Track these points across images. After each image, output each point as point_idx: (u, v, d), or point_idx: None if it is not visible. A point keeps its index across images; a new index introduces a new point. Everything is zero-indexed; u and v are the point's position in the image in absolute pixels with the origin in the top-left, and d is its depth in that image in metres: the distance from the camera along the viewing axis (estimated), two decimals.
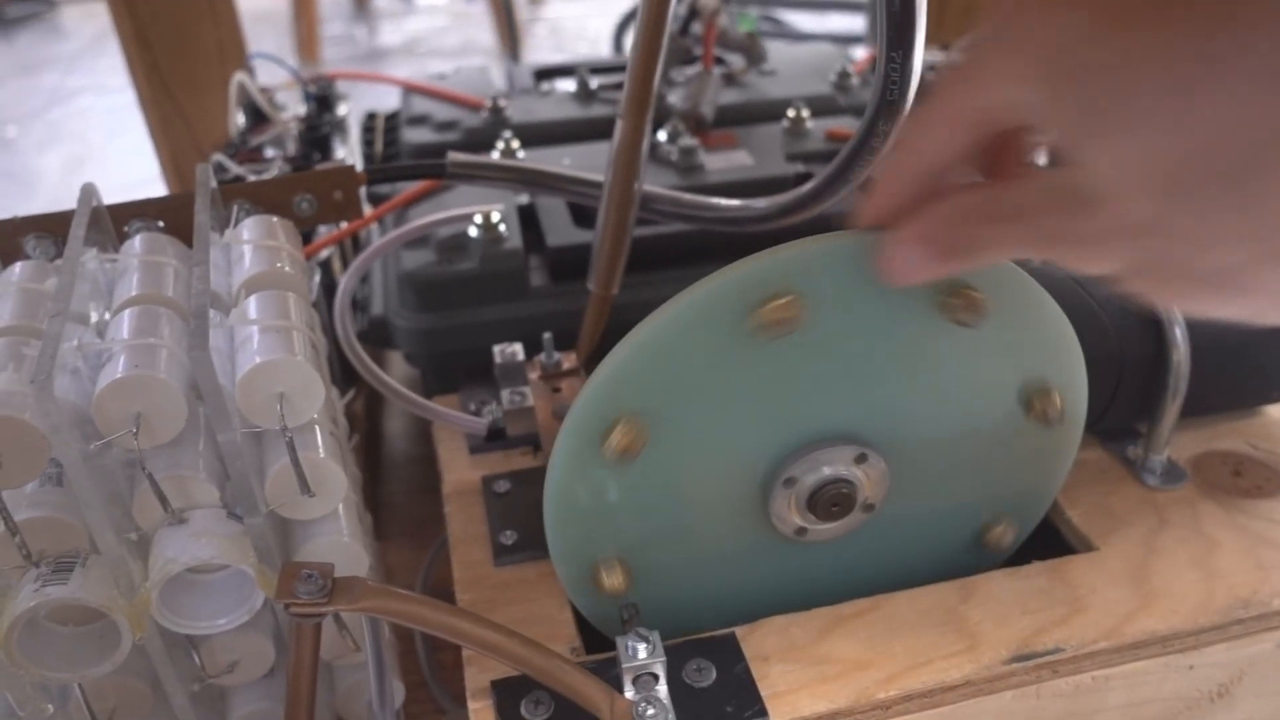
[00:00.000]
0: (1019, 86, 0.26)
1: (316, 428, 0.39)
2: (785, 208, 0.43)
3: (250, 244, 0.42)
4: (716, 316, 0.34)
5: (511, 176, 0.49)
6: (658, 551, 0.38)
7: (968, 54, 0.28)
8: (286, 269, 0.41)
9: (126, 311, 0.38)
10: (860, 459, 0.37)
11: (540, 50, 2.09)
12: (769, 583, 0.40)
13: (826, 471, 0.37)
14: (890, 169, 0.31)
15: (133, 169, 1.25)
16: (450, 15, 2.33)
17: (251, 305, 0.38)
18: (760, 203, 0.45)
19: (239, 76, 0.68)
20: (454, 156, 0.49)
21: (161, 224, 0.45)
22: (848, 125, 0.70)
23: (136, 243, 0.42)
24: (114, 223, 0.45)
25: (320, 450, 0.38)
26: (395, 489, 0.68)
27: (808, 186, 0.42)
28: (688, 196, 0.48)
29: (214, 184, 0.44)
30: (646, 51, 0.42)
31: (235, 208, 0.46)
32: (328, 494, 0.38)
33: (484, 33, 2.11)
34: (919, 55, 0.34)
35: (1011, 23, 0.26)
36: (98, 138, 1.72)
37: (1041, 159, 0.31)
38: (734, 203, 0.46)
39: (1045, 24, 0.25)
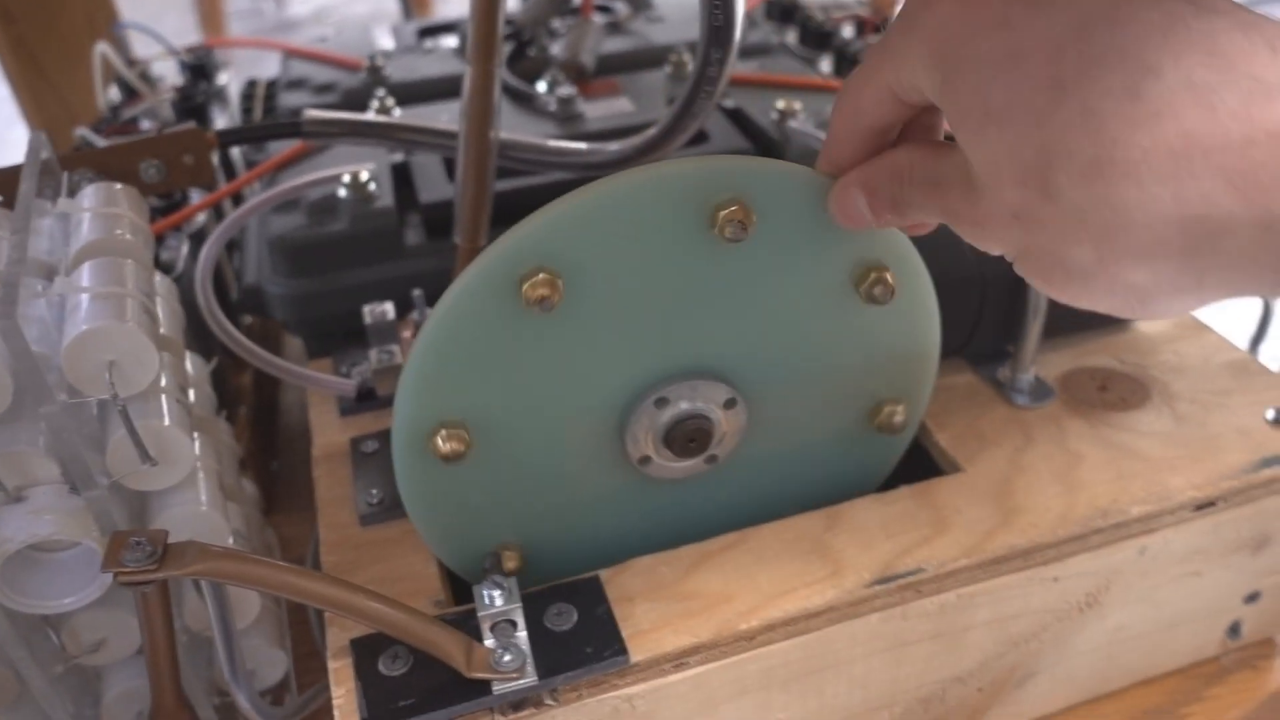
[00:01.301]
0: (917, 71, 0.27)
1: (162, 396, 0.38)
2: (639, 148, 0.43)
3: (88, 212, 0.41)
4: (677, 198, 0.33)
5: (366, 131, 0.48)
6: (507, 435, 0.37)
7: (885, 33, 0.29)
8: (126, 236, 0.40)
9: None
10: (729, 403, 0.37)
11: (451, 14, 2.05)
12: (620, 523, 0.40)
13: (692, 405, 0.37)
14: (831, 126, 0.32)
15: None
16: None
17: (84, 273, 0.37)
18: (614, 145, 0.44)
19: (100, 48, 0.66)
20: (309, 114, 0.47)
21: None
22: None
23: None
24: None
25: (164, 418, 0.37)
26: (293, 461, 0.67)
27: (656, 126, 0.41)
28: (547, 143, 0.47)
29: (47, 153, 0.42)
30: None
31: (77, 177, 0.44)
32: (174, 462, 0.37)
33: (393, 0, 2.07)
34: None
35: (918, 9, 0.27)
36: None
37: None
38: (589, 147, 0.45)
39: (944, 15, 0.26)
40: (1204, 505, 0.40)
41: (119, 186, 0.43)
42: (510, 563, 0.38)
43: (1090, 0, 0.24)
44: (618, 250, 0.33)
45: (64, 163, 0.44)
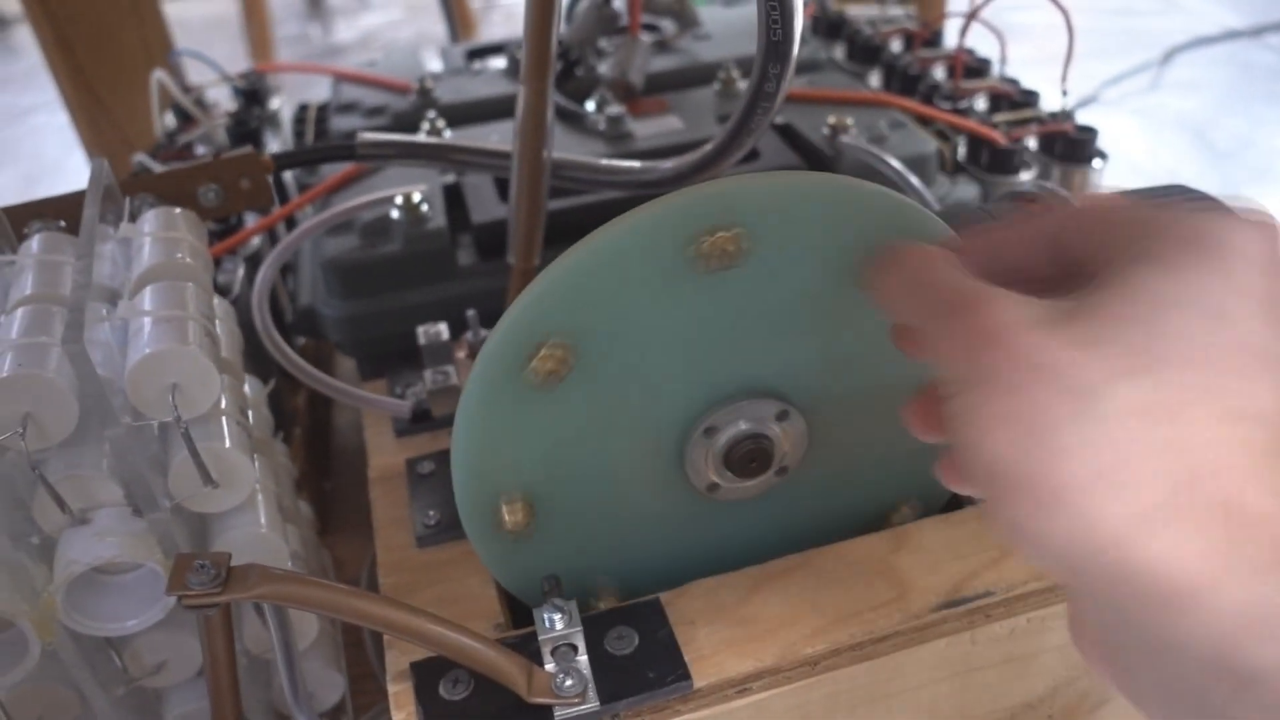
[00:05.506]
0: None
1: (223, 418, 0.38)
2: (695, 165, 0.42)
3: (149, 236, 0.41)
4: (655, 243, 0.32)
5: (419, 153, 0.48)
6: (569, 493, 0.37)
7: None
8: (186, 260, 0.40)
9: (18, 311, 0.37)
10: (781, 416, 0.36)
11: (496, 36, 2.06)
12: (694, 546, 0.40)
13: (745, 426, 0.36)
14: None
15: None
16: (405, 8, 2.31)
17: (146, 297, 0.37)
18: (668, 163, 0.44)
19: (157, 75, 0.67)
20: (363, 136, 0.48)
21: (63, 224, 0.44)
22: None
23: (34, 243, 0.41)
24: (14, 225, 0.44)
25: (225, 440, 0.37)
26: (346, 481, 0.67)
27: (712, 143, 0.41)
28: (600, 161, 0.47)
29: (110, 179, 0.43)
30: (540, 12, 0.41)
31: (138, 202, 0.45)
32: (235, 485, 0.37)
33: (439, 24, 2.09)
34: None
35: None
36: (53, 154, 1.70)
37: None
38: (643, 165, 0.45)
39: None
40: None
41: (178, 211, 0.44)
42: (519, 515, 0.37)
43: None
44: (614, 307, 0.33)
45: (124, 188, 0.45)
